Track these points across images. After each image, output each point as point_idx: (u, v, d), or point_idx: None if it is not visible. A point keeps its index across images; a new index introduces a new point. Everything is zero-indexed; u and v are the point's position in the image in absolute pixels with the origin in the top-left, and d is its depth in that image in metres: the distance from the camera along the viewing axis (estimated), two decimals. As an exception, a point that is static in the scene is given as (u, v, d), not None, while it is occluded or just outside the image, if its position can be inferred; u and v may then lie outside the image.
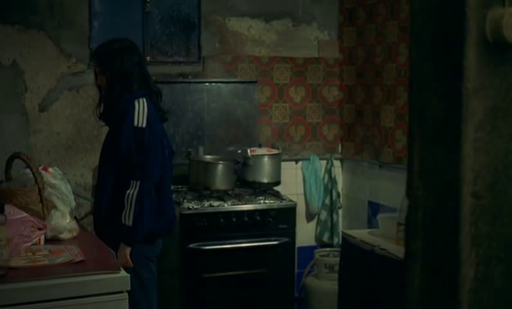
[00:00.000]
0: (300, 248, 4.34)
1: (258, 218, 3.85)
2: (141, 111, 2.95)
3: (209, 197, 3.92)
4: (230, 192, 3.99)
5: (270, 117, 4.51)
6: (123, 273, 2.25)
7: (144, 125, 2.94)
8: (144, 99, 2.99)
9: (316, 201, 4.51)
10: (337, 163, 4.65)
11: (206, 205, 3.78)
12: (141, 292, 3.03)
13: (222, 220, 3.76)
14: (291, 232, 3.99)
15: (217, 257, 3.77)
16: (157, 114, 3.05)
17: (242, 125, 4.38)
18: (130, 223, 2.91)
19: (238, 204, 3.85)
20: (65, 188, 2.81)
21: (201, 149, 4.24)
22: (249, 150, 4.07)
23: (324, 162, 4.59)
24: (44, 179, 2.71)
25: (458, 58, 0.98)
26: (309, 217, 4.60)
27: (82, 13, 4.02)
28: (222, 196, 3.93)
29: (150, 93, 3.05)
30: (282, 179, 4.27)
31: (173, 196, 3.50)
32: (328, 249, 4.39)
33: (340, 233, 4.17)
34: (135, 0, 4.12)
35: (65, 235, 2.70)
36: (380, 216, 3.62)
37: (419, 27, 1.05)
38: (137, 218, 2.92)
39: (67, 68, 4.01)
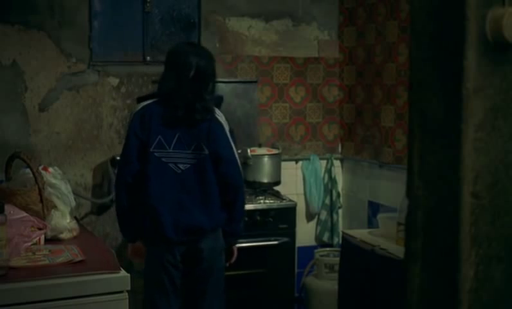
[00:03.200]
0: (300, 248, 4.34)
1: (258, 218, 3.85)
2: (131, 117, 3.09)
3: (209, 197, 3.91)
4: (230, 192, 3.98)
5: (270, 117, 4.50)
6: (123, 273, 2.25)
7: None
8: (141, 104, 3.03)
9: (316, 201, 4.51)
10: (337, 163, 4.65)
11: (206, 205, 3.78)
12: (148, 293, 3.04)
13: (222, 220, 3.76)
14: (291, 232, 3.99)
15: (217, 257, 3.76)
16: (158, 116, 2.98)
17: (242, 125, 4.37)
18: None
19: (238, 204, 3.85)
20: (65, 188, 2.81)
21: (201, 149, 4.23)
22: (249, 150, 4.07)
23: (324, 162, 4.59)
24: (44, 179, 2.71)
25: (458, 58, 0.97)
26: (309, 217, 4.60)
27: (82, 13, 4.02)
28: (222, 195, 3.93)
29: (161, 98, 3.03)
30: (282, 179, 4.27)
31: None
32: (328, 249, 4.39)
33: (340, 233, 4.17)
34: (135, 0, 4.13)
35: (65, 235, 2.70)
36: (380, 216, 3.62)
37: (419, 27, 1.05)
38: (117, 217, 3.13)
39: (67, 68, 4.01)
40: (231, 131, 3.11)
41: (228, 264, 3.20)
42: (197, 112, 2.95)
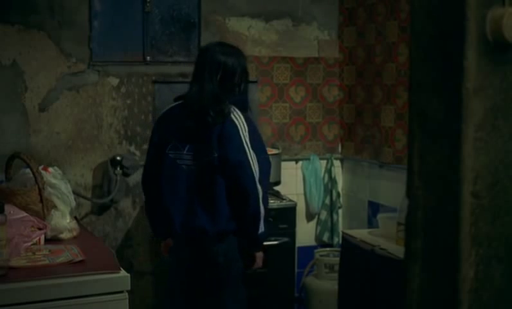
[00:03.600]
0: (300, 248, 4.34)
1: (258, 218, 3.84)
2: None
3: (209, 197, 3.90)
4: (230, 192, 3.98)
5: (270, 117, 4.50)
6: (123, 273, 2.25)
7: None
8: (169, 106, 3.10)
9: (316, 201, 4.51)
10: (337, 163, 4.65)
11: (206, 205, 3.77)
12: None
13: (222, 220, 3.75)
14: (291, 232, 3.98)
15: (217, 257, 3.76)
16: (175, 118, 3.02)
17: (242, 125, 4.37)
18: None
19: (238, 204, 3.84)
20: (65, 188, 2.81)
21: (201, 149, 4.23)
22: (249, 150, 4.06)
23: (324, 162, 4.59)
24: (44, 179, 2.71)
25: (458, 58, 0.97)
26: (309, 217, 4.60)
27: (82, 13, 4.02)
28: (222, 195, 3.92)
29: (184, 99, 3.05)
30: (282, 179, 4.27)
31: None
32: (328, 249, 4.39)
33: (340, 233, 4.17)
34: (135, 0, 4.13)
35: (65, 235, 2.70)
36: (380, 216, 3.62)
37: (419, 27, 1.05)
38: None
39: (67, 68, 4.01)
40: (252, 132, 2.99)
41: (247, 270, 3.12)
42: (210, 116, 2.88)
